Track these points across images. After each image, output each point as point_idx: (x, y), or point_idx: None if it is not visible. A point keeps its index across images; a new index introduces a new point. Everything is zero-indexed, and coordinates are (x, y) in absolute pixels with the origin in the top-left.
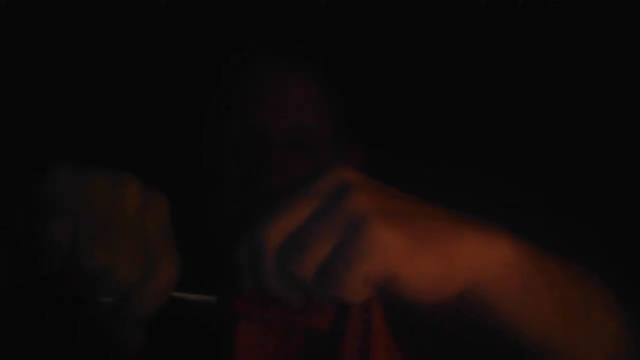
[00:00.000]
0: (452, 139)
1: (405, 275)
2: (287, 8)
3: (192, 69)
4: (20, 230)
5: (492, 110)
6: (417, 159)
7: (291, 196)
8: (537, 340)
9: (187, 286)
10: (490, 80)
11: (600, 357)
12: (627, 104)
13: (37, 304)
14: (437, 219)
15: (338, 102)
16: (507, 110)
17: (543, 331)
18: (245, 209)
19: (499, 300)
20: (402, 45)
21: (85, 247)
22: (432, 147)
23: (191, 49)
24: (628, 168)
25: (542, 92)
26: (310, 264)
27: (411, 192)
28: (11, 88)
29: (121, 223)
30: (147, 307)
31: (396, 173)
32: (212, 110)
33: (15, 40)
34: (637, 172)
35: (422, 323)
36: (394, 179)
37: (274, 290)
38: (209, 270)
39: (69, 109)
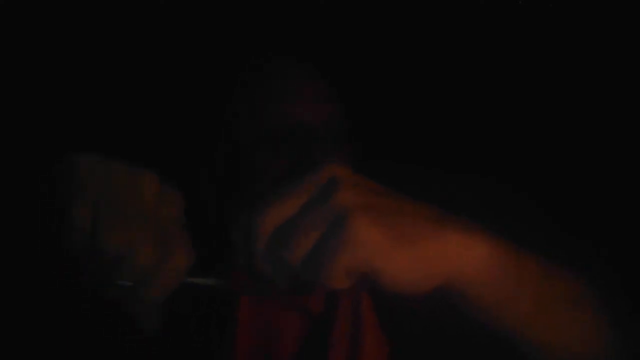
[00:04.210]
0: (449, 140)
1: (385, 270)
2: (292, 10)
3: (204, 71)
4: (45, 211)
5: (489, 111)
6: (411, 157)
7: (285, 188)
8: (516, 332)
9: (195, 271)
10: (489, 80)
11: (582, 350)
12: (627, 106)
13: (59, 285)
14: (419, 216)
15: (337, 97)
16: (505, 111)
17: (521, 323)
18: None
19: (478, 293)
20: (401, 45)
21: (105, 231)
22: (427, 145)
23: (203, 50)
24: (614, 167)
25: (540, 92)
26: (298, 251)
27: (400, 187)
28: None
29: (139, 212)
30: (162, 292)
31: (387, 169)
32: (231, 113)
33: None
34: (620, 170)
35: (410, 313)
36: (384, 174)
37: (265, 273)
38: (214, 255)
39: (87, 107)
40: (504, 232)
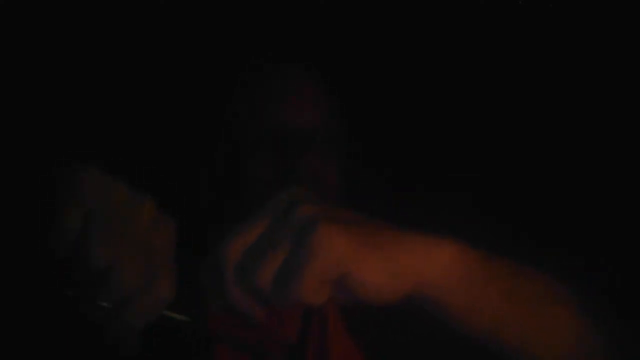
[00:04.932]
0: (444, 141)
1: (356, 274)
2: (293, 11)
3: (205, 71)
4: (41, 211)
5: (490, 113)
6: (407, 159)
7: (247, 218)
8: (488, 336)
9: (175, 306)
10: (489, 81)
11: (567, 353)
12: (627, 106)
13: (43, 294)
14: (380, 226)
15: (340, 102)
16: (505, 112)
17: (493, 327)
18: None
19: (445, 297)
20: (399, 47)
21: (94, 243)
22: (423, 147)
23: (204, 51)
24: (599, 175)
25: (538, 94)
26: (268, 271)
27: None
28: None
29: (131, 235)
30: (140, 317)
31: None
32: (231, 113)
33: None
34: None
35: (382, 322)
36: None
37: (237, 304)
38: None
39: (89, 107)
40: (485, 239)
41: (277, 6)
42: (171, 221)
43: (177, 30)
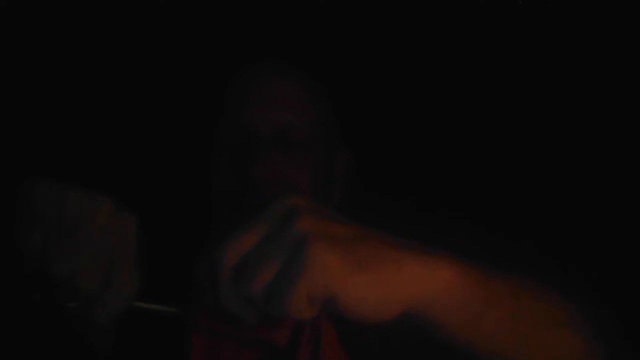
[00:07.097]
0: (445, 140)
1: (345, 296)
2: (282, 12)
3: (187, 72)
4: (2, 233)
5: (490, 114)
6: (403, 162)
7: (246, 221)
8: (487, 354)
9: (152, 297)
10: (489, 82)
11: None
12: (626, 112)
13: (14, 304)
14: (377, 243)
15: (328, 103)
16: (505, 113)
17: (492, 346)
18: (237, 204)
19: (441, 316)
20: (398, 46)
21: (54, 253)
22: (420, 149)
23: (187, 53)
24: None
25: (539, 97)
26: (260, 282)
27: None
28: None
29: (89, 237)
30: (107, 314)
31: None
32: (206, 111)
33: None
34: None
35: (376, 336)
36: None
37: (228, 306)
38: (173, 282)
39: (60, 117)
40: (491, 259)
41: (275, 6)
42: (132, 217)
43: (175, 31)
